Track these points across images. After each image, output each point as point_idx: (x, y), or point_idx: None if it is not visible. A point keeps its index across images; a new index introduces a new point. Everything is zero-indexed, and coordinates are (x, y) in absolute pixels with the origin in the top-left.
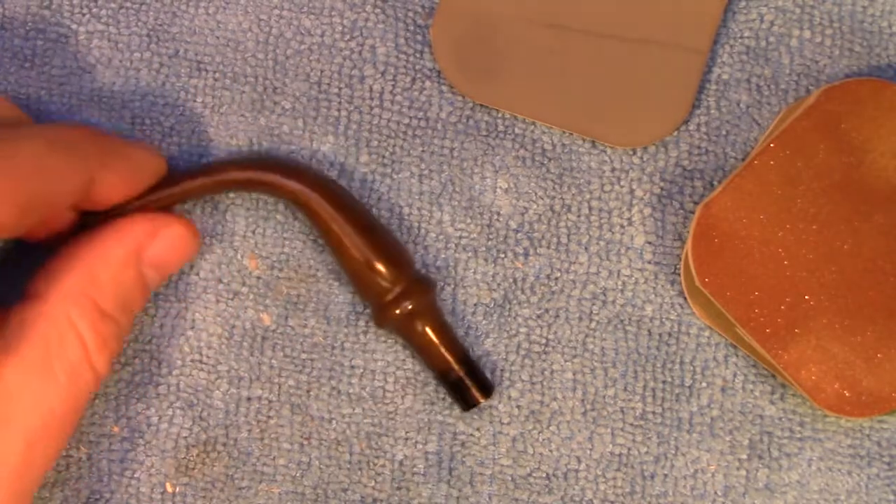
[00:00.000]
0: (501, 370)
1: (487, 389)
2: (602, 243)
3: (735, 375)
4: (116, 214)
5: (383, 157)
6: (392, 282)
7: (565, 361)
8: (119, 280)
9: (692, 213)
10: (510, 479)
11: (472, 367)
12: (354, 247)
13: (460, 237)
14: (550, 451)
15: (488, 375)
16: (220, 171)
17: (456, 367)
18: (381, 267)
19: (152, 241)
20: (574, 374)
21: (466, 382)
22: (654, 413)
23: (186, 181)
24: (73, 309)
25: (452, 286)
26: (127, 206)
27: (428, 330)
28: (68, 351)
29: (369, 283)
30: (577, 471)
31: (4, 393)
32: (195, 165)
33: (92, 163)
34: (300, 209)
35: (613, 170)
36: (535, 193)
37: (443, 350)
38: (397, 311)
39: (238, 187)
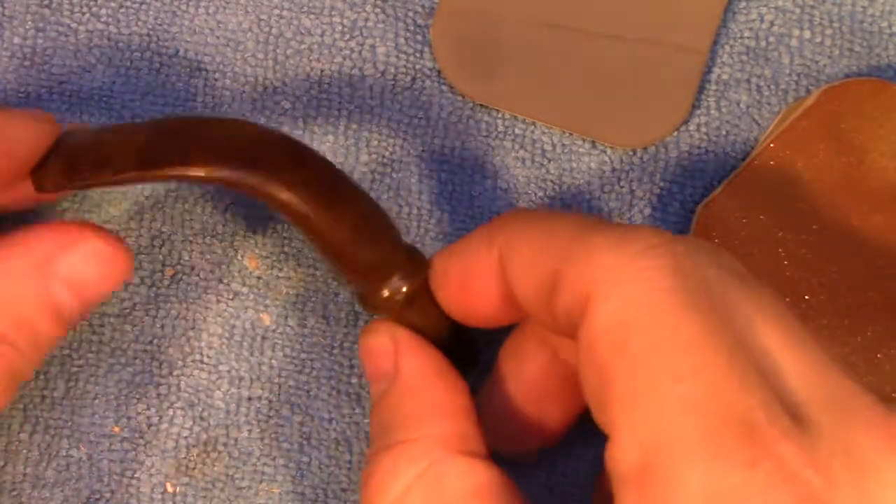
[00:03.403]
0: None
1: (471, 362)
2: None
3: None
4: None
5: (383, 157)
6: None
7: None
8: (18, 297)
9: (692, 213)
10: (510, 479)
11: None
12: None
13: (460, 237)
14: (550, 450)
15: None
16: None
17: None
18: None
19: (64, 255)
20: None
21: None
22: None
23: (129, 166)
24: None
25: None
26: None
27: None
28: None
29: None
30: (576, 470)
31: None
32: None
33: None
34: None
35: (613, 170)
36: (535, 194)
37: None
38: (396, 299)
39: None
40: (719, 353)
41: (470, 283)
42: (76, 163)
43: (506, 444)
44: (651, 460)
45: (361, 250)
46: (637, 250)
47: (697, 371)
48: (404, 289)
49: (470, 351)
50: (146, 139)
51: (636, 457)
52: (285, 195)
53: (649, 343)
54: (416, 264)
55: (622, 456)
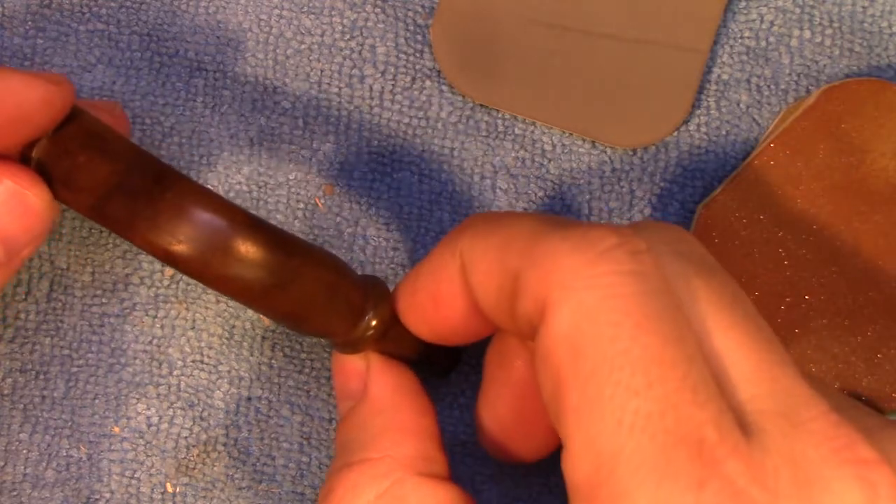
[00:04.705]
0: None
1: (449, 365)
2: None
3: None
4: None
5: (383, 157)
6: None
7: None
8: None
9: (692, 213)
10: (510, 478)
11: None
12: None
13: None
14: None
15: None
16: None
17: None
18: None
19: None
20: None
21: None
22: None
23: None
24: None
25: None
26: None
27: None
28: None
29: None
30: None
31: None
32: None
33: None
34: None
35: (613, 170)
36: (535, 194)
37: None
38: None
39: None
40: (675, 365)
41: (440, 299)
42: (50, 176)
43: (508, 452)
44: (602, 476)
45: (326, 316)
46: (595, 253)
47: (651, 385)
48: (374, 323)
49: (447, 356)
50: (109, 184)
51: (587, 471)
52: (233, 283)
53: (604, 355)
54: (379, 297)
55: (575, 467)
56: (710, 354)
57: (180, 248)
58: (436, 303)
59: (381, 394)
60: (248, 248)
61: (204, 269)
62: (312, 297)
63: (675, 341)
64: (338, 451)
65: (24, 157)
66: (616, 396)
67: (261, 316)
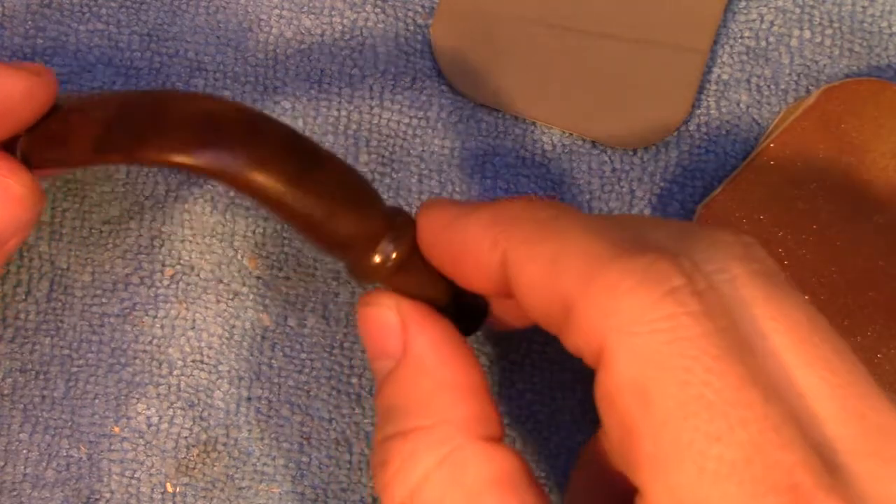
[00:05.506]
0: (501, 369)
1: (475, 322)
2: None
3: None
4: None
5: (383, 157)
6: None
7: (565, 361)
8: None
9: (692, 213)
10: None
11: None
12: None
13: None
14: (550, 450)
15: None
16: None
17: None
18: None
19: None
20: (574, 374)
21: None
22: None
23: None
24: None
25: None
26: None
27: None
28: None
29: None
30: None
31: None
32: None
33: None
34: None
35: (613, 170)
36: (536, 194)
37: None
38: (387, 265)
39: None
40: (753, 406)
41: (465, 266)
42: (39, 142)
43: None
44: None
45: (341, 223)
46: (659, 294)
47: (733, 430)
48: (394, 254)
49: (473, 310)
50: (106, 121)
51: None
52: (248, 177)
53: (676, 401)
54: (402, 226)
55: None
56: (790, 391)
57: (193, 156)
58: (457, 265)
59: (423, 350)
60: (261, 149)
61: (222, 174)
62: (329, 197)
63: (749, 382)
64: (383, 418)
65: (10, 149)
66: (695, 443)
67: (260, 315)
